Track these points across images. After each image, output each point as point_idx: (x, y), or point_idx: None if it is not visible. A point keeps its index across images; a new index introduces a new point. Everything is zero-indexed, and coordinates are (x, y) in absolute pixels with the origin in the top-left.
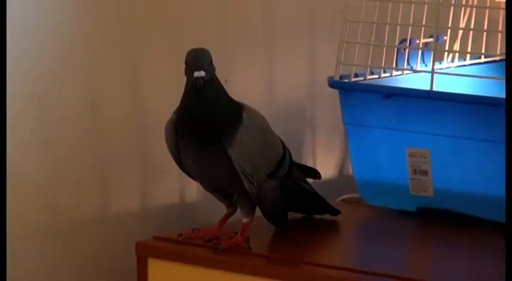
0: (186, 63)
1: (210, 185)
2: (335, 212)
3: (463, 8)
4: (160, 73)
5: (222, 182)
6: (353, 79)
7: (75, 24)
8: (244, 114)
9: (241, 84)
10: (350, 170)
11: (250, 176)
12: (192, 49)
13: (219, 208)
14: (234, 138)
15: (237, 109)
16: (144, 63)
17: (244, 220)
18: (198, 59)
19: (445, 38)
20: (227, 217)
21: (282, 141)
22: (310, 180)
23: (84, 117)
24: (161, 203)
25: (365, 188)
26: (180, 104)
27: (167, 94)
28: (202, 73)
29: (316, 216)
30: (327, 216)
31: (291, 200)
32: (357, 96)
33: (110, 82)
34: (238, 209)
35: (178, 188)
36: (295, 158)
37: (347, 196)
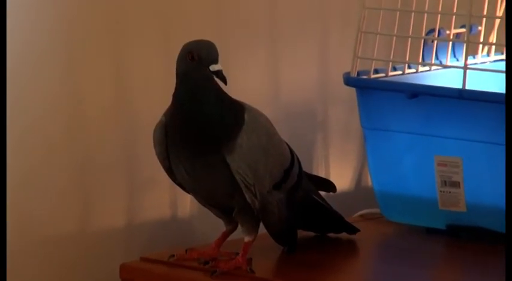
0: (191, 56)
1: (206, 198)
2: (352, 229)
3: None
4: (149, 69)
5: (220, 194)
6: (372, 76)
7: (52, 13)
8: (245, 116)
9: (242, 82)
10: (369, 182)
11: (253, 187)
12: (196, 41)
13: (217, 225)
14: (233, 143)
15: (237, 110)
16: (131, 58)
17: (246, 239)
18: (211, 50)
19: (479, 28)
20: (226, 235)
21: (289, 147)
22: (322, 193)
23: (60, 119)
24: (149, 218)
25: (386, 202)
26: (172, 104)
27: (157, 93)
28: (220, 66)
29: (330, 234)
30: (343, 234)
31: (301, 216)
32: (377, 95)
33: (91, 78)
34: (239, 226)
35: (169, 202)
36: (305, 168)
37: (365, 211)
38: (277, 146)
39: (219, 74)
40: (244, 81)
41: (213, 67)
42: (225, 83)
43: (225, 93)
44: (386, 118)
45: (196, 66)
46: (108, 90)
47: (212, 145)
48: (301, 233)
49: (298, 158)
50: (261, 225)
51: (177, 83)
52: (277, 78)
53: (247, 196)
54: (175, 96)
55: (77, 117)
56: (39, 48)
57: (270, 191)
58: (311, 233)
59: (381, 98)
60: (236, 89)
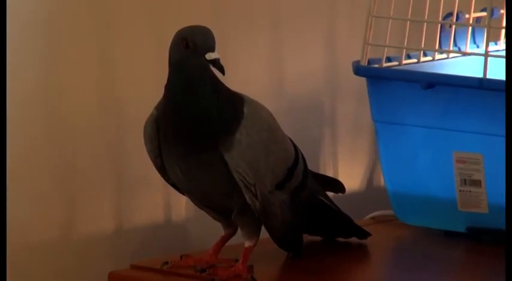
0: (186, 44)
1: (202, 199)
2: (363, 234)
3: None
4: (137, 57)
5: (218, 195)
6: (384, 64)
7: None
8: (245, 109)
9: (241, 72)
10: (381, 181)
11: (253, 187)
12: (190, 27)
13: (215, 229)
14: (232, 139)
15: (236, 103)
16: (117, 46)
17: (247, 244)
18: (208, 37)
19: (501, 11)
20: (225, 239)
21: (293, 143)
22: (330, 194)
23: (40, 115)
24: (140, 222)
25: (400, 203)
26: (164, 96)
27: (147, 84)
28: (217, 54)
29: (339, 239)
30: (353, 239)
31: (306, 219)
32: (390, 86)
33: (73, 69)
34: (239, 230)
35: (162, 204)
36: (311, 166)
37: (377, 213)
38: (280, 142)
39: (216, 63)
40: (243, 71)
41: (210, 55)
42: (223, 72)
43: (223, 84)
44: (399, 111)
45: (191, 54)
46: (92, 81)
47: (209, 141)
48: (307, 238)
49: (303, 156)
50: (263, 229)
51: (169, 73)
52: (280, 68)
53: (247, 197)
54: (168, 87)
55: (58, 112)
56: (14, 37)
57: (272, 192)
58: (318, 238)
59: (393, 88)
60: (235, 79)
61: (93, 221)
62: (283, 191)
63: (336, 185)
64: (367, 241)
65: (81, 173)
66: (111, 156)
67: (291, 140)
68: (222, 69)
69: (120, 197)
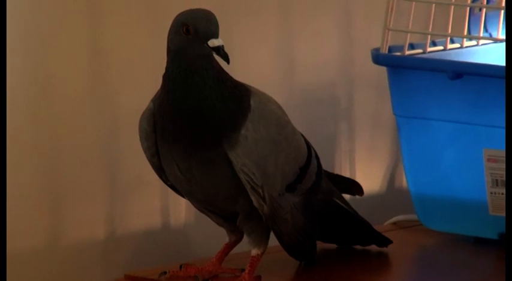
0: (186, 30)
1: (204, 202)
2: (383, 241)
3: None
4: (133, 44)
5: (222, 198)
6: (407, 52)
7: None
8: (252, 102)
9: (248, 61)
10: (403, 182)
11: (261, 188)
12: (191, 10)
13: (218, 235)
14: (237, 135)
15: (242, 95)
16: (111, 30)
17: (254, 252)
18: (211, 22)
19: None
20: (229, 247)
21: (306, 140)
22: (347, 196)
23: (24, 111)
24: (135, 228)
25: (425, 206)
26: (162, 88)
27: (143, 74)
28: (220, 41)
29: (357, 247)
30: (372, 247)
31: (320, 224)
32: (413, 76)
33: (63, 57)
34: (245, 237)
35: (160, 208)
36: (325, 165)
37: (399, 217)
38: (291, 139)
39: (219, 50)
40: (250, 60)
41: (213, 42)
42: (227, 61)
43: (227, 75)
44: (424, 104)
45: (192, 41)
46: (83, 70)
47: (211, 137)
48: (321, 246)
49: (316, 154)
50: (272, 235)
51: (168, 62)
52: (291, 56)
53: (253, 200)
54: (167, 78)
55: (45, 107)
56: None
57: (282, 194)
58: (333, 246)
59: (417, 79)
60: (241, 69)
61: (83, 226)
62: (294, 193)
63: (353, 187)
64: (388, 249)
65: (70, 173)
66: (103, 155)
67: (303, 136)
68: (226, 58)
69: (113, 200)
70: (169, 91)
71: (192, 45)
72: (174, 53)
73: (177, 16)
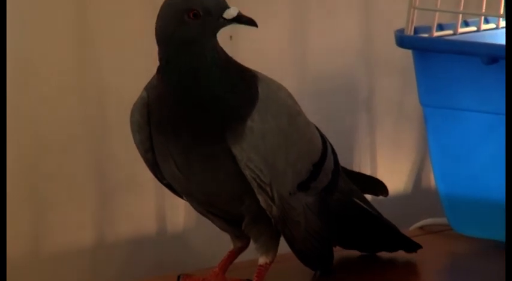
0: (195, 14)
1: (205, 204)
2: (411, 246)
3: None
4: (124, 31)
5: (225, 198)
6: (435, 33)
7: None
8: (259, 89)
9: (256, 45)
10: (431, 181)
11: (269, 187)
12: None
13: (221, 241)
14: (242, 126)
15: (248, 82)
16: (100, 16)
17: (262, 260)
18: None
19: None
20: (234, 255)
21: (320, 133)
22: (368, 197)
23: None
24: (127, 233)
25: (456, 209)
26: (158, 75)
27: (135, 60)
28: (236, 9)
29: (381, 254)
30: (398, 255)
31: (338, 228)
32: (443, 61)
33: (47, 43)
34: (252, 243)
35: (155, 210)
36: (344, 162)
37: (427, 221)
38: (303, 131)
39: (241, 18)
40: (256, 42)
41: (229, 13)
42: (255, 24)
43: (231, 59)
44: (455, 92)
45: (205, 25)
46: (68, 56)
47: (214, 129)
48: (340, 253)
49: (333, 148)
50: (282, 241)
51: (168, 55)
52: (303, 39)
53: (261, 200)
54: (166, 69)
55: (26, 96)
56: None
57: (294, 193)
58: (354, 252)
59: (447, 64)
60: (246, 53)
61: (68, 231)
62: (307, 192)
63: (376, 186)
64: (415, 258)
65: (54, 172)
66: (91, 151)
67: (317, 128)
68: (253, 22)
69: (103, 202)
70: (168, 78)
71: (205, 30)
72: (180, 44)
73: (170, 5)
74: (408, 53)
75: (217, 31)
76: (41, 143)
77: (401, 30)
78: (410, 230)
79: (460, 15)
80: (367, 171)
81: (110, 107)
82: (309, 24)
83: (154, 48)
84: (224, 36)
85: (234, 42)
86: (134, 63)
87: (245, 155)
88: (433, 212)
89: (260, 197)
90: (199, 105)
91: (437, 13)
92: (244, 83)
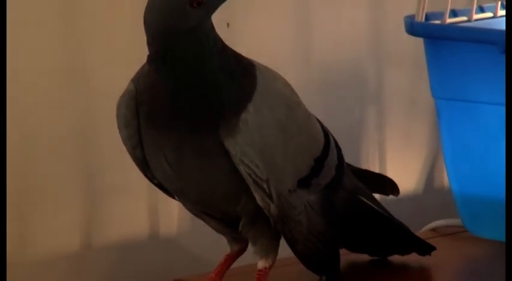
0: (198, 2)
1: (199, 203)
2: (424, 248)
3: None
4: (111, 21)
5: (220, 197)
6: (448, 20)
7: None
8: (256, 79)
9: (254, 33)
10: (444, 179)
11: (266, 183)
12: None
13: (217, 244)
14: (236, 119)
15: (245, 71)
16: (86, 5)
17: (261, 265)
18: None
19: None
20: (231, 259)
21: (323, 126)
22: (376, 196)
23: None
24: (116, 237)
25: (471, 209)
26: (149, 66)
27: (124, 55)
28: None
29: (392, 258)
30: (411, 259)
31: (344, 228)
32: (456, 49)
33: (32, 33)
34: (250, 246)
35: (146, 212)
36: (350, 158)
37: (440, 222)
38: (303, 123)
39: None
40: (259, 31)
41: None
42: None
43: (227, 47)
44: (470, 83)
45: (207, 12)
46: (53, 47)
47: (208, 122)
48: (348, 256)
49: (337, 143)
50: (283, 242)
51: (162, 49)
52: (308, 27)
53: (257, 197)
54: (159, 60)
55: (10, 92)
56: None
57: (294, 190)
58: (362, 256)
59: (461, 53)
60: (247, 42)
61: (54, 235)
62: (309, 189)
63: (385, 185)
64: (428, 262)
65: (38, 172)
66: (78, 149)
67: (319, 121)
68: None
69: (91, 204)
70: (169, 69)
71: (207, 16)
72: (181, 33)
73: None
74: (419, 41)
75: (213, 12)
76: (27, 142)
77: (412, 17)
78: (421, 232)
79: (475, 1)
80: (375, 169)
81: (99, 104)
82: (314, 11)
83: (143, 39)
84: (221, 24)
85: (231, 30)
86: (124, 58)
87: (239, 149)
88: (446, 213)
89: (257, 195)
90: (197, 94)
91: None
92: (241, 72)
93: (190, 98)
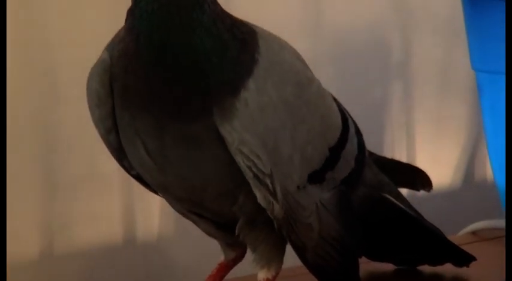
0: None
1: (187, 202)
2: (461, 258)
3: None
4: None
5: (212, 195)
6: None
7: None
8: (258, 49)
9: (264, 4)
10: (487, 172)
11: (269, 178)
12: None
13: (209, 251)
14: (233, 99)
15: (244, 39)
16: None
17: (261, 276)
18: None
19: None
20: (226, 268)
21: (340, 107)
22: (404, 191)
23: None
24: (84, 241)
25: None
26: (127, 29)
27: (92, 22)
28: None
29: (422, 268)
30: (445, 269)
31: (365, 233)
32: (502, 10)
33: None
34: (248, 252)
35: (122, 211)
36: (373, 147)
37: (481, 224)
38: (315, 104)
39: None
40: (267, 1)
41: None
42: None
43: (225, 12)
44: None
45: None
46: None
47: (197, 103)
48: (368, 265)
49: (357, 128)
50: (289, 249)
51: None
52: None
53: (258, 195)
54: (137, 13)
55: None
56: None
57: (303, 187)
58: (386, 266)
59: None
60: (249, 7)
61: (13, 240)
62: (322, 185)
63: (415, 178)
64: (466, 274)
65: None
66: (39, 139)
67: (336, 100)
68: None
69: (52, 201)
70: (141, 32)
71: None
72: None
73: None
74: (456, 3)
75: None
76: None
77: None
78: (458, 236)
79: None
80: (402, 158)
81: (62, 79)
82: None
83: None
84: None
85: None
86: (91, 22)
87: (237, 136)
88: (489, 213)
89: (257, 192)
90: (182, 69)
91: None
92: (239, 40)
93: (172, 68)
